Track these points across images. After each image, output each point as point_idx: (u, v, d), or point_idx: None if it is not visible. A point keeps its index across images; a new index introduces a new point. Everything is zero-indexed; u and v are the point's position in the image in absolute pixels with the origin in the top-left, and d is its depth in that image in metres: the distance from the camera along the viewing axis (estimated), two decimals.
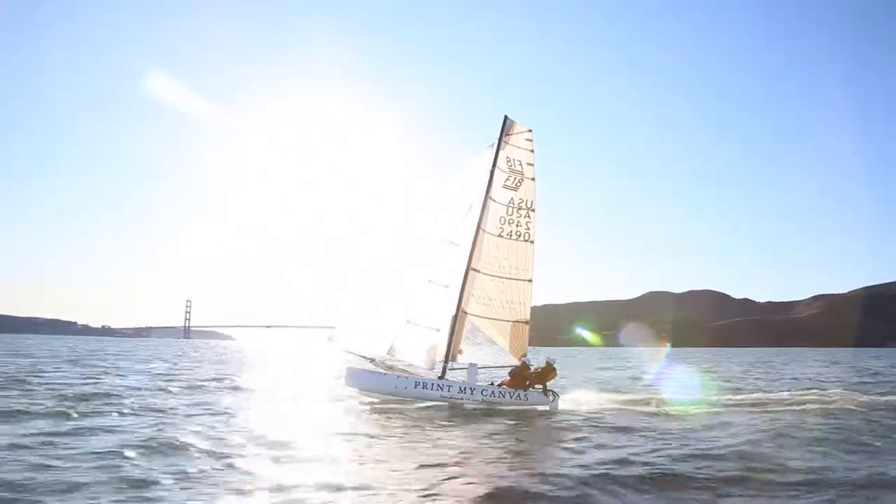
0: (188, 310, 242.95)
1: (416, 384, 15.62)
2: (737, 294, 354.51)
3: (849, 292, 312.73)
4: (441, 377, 16.13)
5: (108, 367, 28.08)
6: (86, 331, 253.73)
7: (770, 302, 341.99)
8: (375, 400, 15.56)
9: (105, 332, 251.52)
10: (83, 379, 20.90)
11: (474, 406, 15.51)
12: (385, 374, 15.91)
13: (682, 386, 23.71)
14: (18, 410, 12.14)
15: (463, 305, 16.63)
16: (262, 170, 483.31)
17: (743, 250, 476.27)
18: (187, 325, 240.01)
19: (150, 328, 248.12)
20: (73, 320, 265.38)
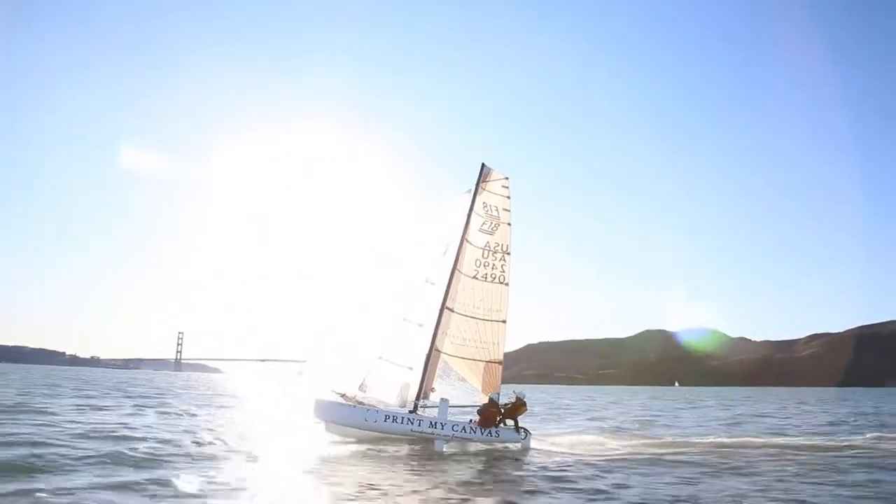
0: (179, 342, 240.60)
1: (387, 417, 15.67)
2: (732, 332, 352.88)
3: (845, 331, 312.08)
4: (412, 412, 16.23)
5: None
6: (74, 361, 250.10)
7: (766, 340, 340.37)
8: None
9: (93, 362, 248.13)
10: None
11: (447, 447, 15.47)
12: (354, 406, 15.95)
13: None
14: None
15: (437, 344, 16.85)
16: (252, 209, 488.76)
17: (736, 289, 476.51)
18: (178, 357, 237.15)
19: (140, 360, 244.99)
20: (60, 350, 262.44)
